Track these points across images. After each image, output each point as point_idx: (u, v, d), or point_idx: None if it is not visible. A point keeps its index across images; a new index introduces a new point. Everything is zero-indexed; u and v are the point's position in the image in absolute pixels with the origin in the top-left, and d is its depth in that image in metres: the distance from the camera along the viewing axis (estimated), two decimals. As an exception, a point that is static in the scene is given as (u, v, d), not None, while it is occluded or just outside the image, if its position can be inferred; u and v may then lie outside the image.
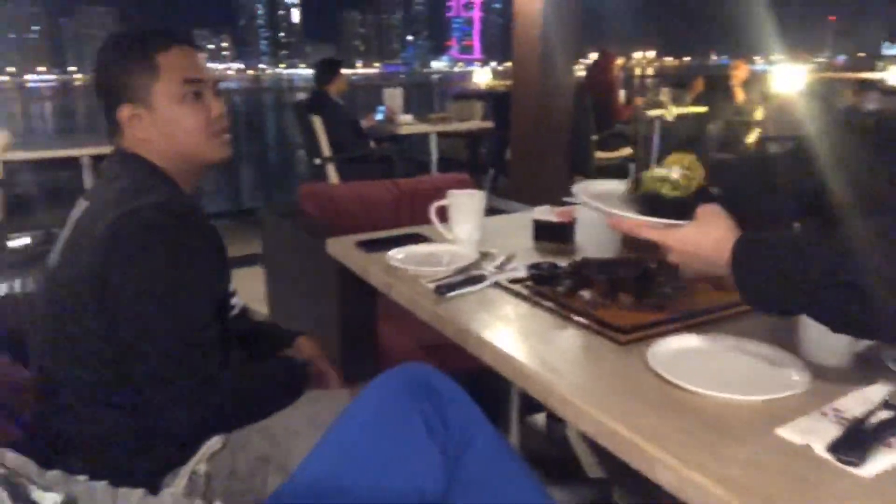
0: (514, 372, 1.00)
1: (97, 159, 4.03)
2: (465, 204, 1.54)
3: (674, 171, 1.06)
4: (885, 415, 0.79)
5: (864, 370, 0.93)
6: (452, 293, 1.25)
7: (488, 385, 1.31)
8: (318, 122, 4.62)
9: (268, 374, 1.20)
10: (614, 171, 6.08)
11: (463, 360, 1.18)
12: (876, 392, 0.85)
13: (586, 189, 1.19)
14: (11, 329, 1.23)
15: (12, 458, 0.73)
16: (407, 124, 5.20)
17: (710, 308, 1.15)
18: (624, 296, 1.17)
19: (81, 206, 1.11)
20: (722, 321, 1.12)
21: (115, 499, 0.81)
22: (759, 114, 6.49)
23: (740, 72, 6.79)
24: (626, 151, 5.98)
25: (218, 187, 6.79)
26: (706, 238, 0.91)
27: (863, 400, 0.83)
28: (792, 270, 0.79)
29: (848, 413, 0.80)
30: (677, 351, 0.98)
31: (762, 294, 0.83)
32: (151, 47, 1.11)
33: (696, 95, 7.35)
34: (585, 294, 1.20)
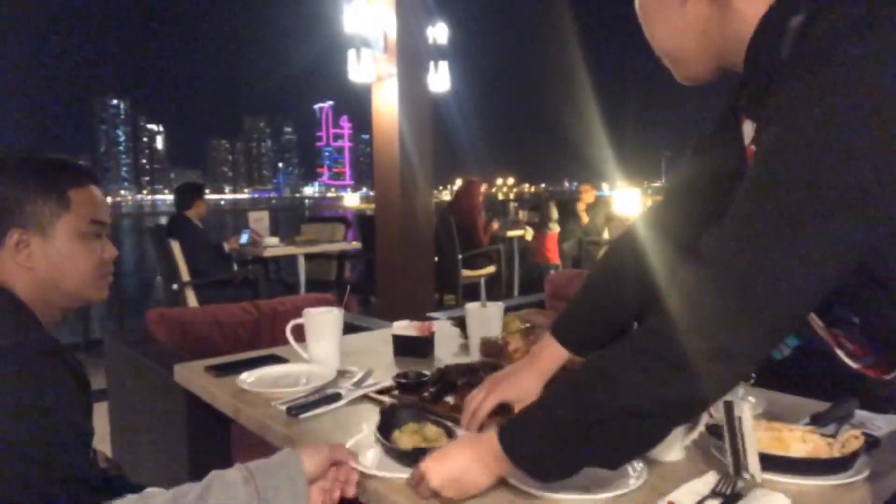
0: (375, 496, 0.96)
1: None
2: (322, 322, 1.52)
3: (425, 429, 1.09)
4: (714, 503, 0.84)
5: (696, 462, 0.99)
6: (305, 414, 1.21)
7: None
8: (176, 247, 4.47)
9: None
10: (482, 287, 6.32)
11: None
12: (706, 482, 0.90)
13: None
14: None
15: None
16: (272, 246, 5.14)
17: None
18: None
19: None
20: None
21: None
22: (605, 233, 7.09)
23: (587, 195, 7.45)
24: (490, 269, 6.27)
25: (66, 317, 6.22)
26: (460, 446, 0.91)
27: (694, 491, 0.88)
28: (560, 423, 0.81)
29: (682, 505, 0.84)
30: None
31: (545, 461, 0.83)
32: (65, 181, 1.09)
33: (554, 218, 7.94)
34: (450, 399, 1.21)
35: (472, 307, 1.57)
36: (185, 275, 4.46)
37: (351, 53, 3.30)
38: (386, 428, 1.07)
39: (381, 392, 1.32)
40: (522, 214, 8.66)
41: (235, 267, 5.09)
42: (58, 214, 1.08)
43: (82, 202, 1.10)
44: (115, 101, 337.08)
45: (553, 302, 2.73)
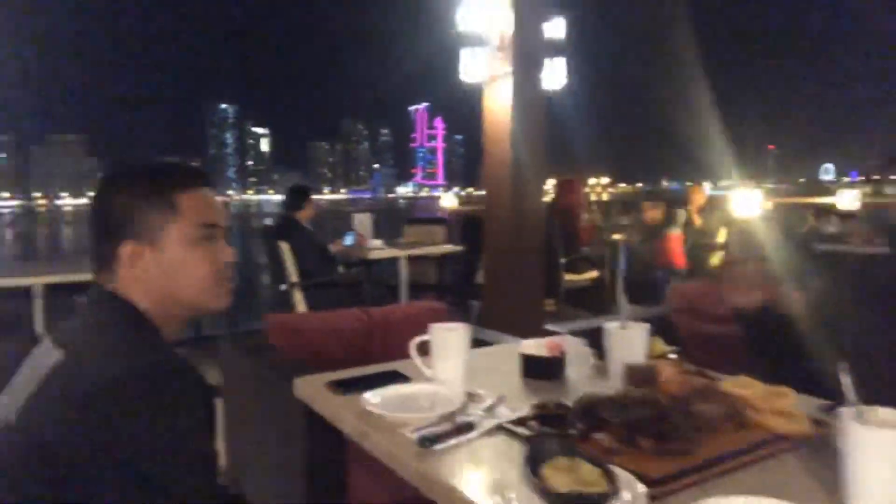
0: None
1: (51, 288, 3.83)
2: (451, 340, 1.42)
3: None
4: None
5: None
6: (439, 446, 1.10)
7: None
8: (285, 248, 4.54)
9: None
10: (582, 294, 6.09)
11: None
12: None
13: None
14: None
15: None
16: (377, 249, 5.16)
17: (738, 450, 1.05)
18: (644, 440, 1.04)
19: (51, 355, 0.94)
20: (751, 465, 1.02)
21: None
22: (721, 235, 6.66)
23: (698, 196, 7.04)
24: (594, 274, 6.02)
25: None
26: None
27: None
28: None
29: None
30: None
31: None
32: (173, 185, 1.03)
33: (650, 221, 7.57)
34: (602, 438, 1.07)
35: (611, 328, 1.42)
36: (293, 276, 4.53)
37: (464, 53, 3.20)
38: (533, 461, 0.95)
39: (517, 422, 1.20)
40: (626, 216, 8.32)
41: (340, 269, 5.14)
42: (167, 221, 1.02)
43: (191, 206, 1.04)
44: (223, 106, 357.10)
45: (680, 317, 2.51)
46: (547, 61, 3.48)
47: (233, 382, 2.34)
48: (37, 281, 3.82)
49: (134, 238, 1.01)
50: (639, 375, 1.30)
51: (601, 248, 6.47)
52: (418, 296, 5.62)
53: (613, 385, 1.38)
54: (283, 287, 4.57)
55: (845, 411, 0.87)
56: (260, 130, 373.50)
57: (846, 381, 0.90)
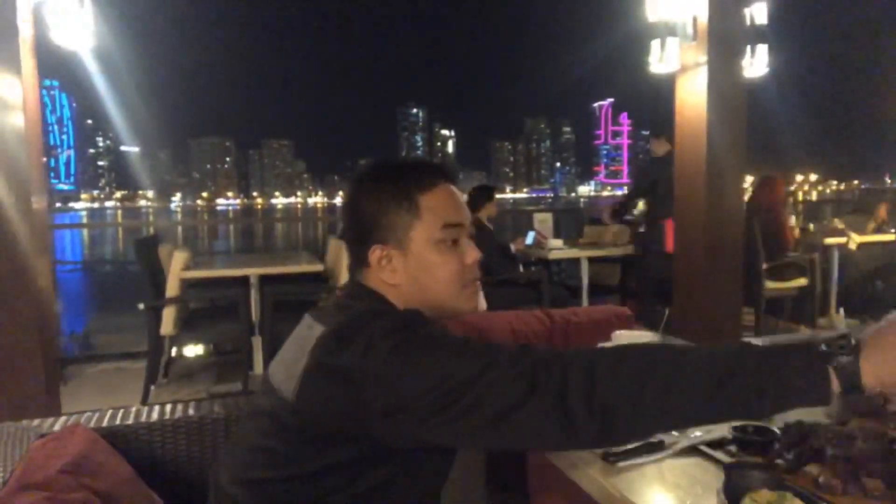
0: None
1: (265, 279, 4.27)
2: (636, 348, 1.33)
3: None
4: None
5: None
6: (625, 462, 1.03)
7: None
8: (469, 247, 4.64)
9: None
10: (788, 303, 5.50)
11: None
12: None
13: None
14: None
15: None
16: (556, 248, 5.08)
17: None
18: (870, 481, 0.89)
19: (314, 328, 0.96)
20: None
21: None
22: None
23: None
24: (801, 282, 5.40)
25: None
26: None
27: None
28: None
29: None
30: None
31: None
32: (415, 186, 1.03)
33: (880, 222, 6.62)
34: (815, 471, 0.94)
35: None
36: (474, 274, 4.61)
37: (655, 43, 3.02)
38: (733, 491, 0.85)
39: (712, 445, 1.09)
40: (842, 219, 7.38)
41: (521, 268, 5.14)
42: (411, 224, 1.02)
43: (431, 206, 1.02)
44: (414, 110, 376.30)
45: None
46: (747, 49, 3.18)
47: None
48: (252, 272, 4.28)
49: (381, 242, 1.02)
50: (863, 403, 1.12)
51: (811, 253, 5.80)
52: (600, 298, 5.45)
53: (829, 412, 1.20)
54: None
55: None
56: (446, 132, 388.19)
57: None
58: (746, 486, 0.85)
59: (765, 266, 5.07)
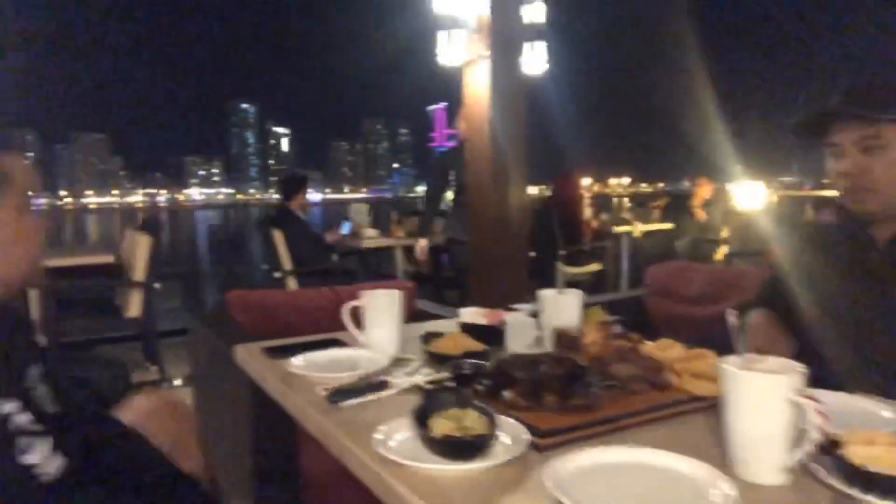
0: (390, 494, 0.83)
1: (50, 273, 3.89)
2: (380, 304, 1.40)
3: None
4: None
5: (800, 489, 0.78)
6: (347, 401, 1.09)
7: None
8: (279, 236, 4.57)
9: None
10: (585, 286, 6.04)
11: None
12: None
13: None
14: None
15: None
16: (371, 238, 5.15)
17: (643, 409, 1.03)
18: (548, 396, 1.03)
19: None
20: (653, 423, 1.00)
21: None
22: (725, 231, 6.57)
23: (703, 190, 6.94)
24: (596, 267, 5.95)
25: (181, 303, 6.62)
26: None
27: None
28: None
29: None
30: (590, 467, 0.81)
31: None
32: None
33: (661, 212, 7.47)
34: (506, 394, 1.06)
35: (546, 294, 1.39)
36: (286, 263, 4.54)
37: (441, 35, 3.17)
38: (425, 412, 0.93)
39: (433, 382, 1.19)
40: (629, 210, 8.24)
41: (335, 258, 5.15)
42: None
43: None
44: (244, 105, 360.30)
45: (655, 299, 2.47)
46: (527, 46, 3.44)
47: (197, 362, 2.34)
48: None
49: None
50: (565, 339, 1.28)
51: (605, 242, 6.40)
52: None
53: (546, 350, 1.36)
54: (278, 275, 4.59)
55: (730, 359, 0.84)
56: (281, 130, 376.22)
57: (734, 329, 0.87)
58: (437, 407, 0.94)
59: (562, 253, 5.52)
